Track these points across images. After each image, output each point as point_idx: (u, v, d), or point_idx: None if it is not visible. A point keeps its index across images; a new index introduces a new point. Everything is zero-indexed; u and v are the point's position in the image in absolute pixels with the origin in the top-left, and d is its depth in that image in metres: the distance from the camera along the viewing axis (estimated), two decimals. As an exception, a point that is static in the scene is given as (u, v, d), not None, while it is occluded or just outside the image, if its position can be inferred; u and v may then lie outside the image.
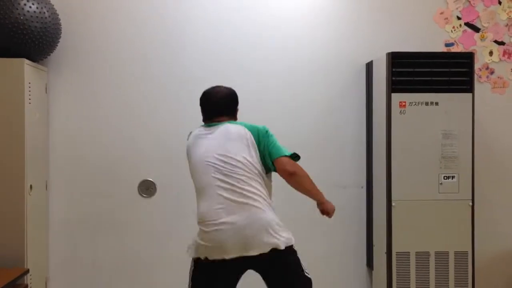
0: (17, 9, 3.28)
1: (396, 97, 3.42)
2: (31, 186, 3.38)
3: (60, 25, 3.57)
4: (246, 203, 2.54)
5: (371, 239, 3.77)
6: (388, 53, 3.43)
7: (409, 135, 3.43)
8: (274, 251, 2.55)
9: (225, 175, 2.57)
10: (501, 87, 3.90)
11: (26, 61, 3.33)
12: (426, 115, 3.43)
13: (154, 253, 3.80)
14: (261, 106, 3.79)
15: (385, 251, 3.45)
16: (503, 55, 3.89)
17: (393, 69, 3.41)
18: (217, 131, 2.69)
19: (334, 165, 3.86)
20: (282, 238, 2.57)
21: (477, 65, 3.78)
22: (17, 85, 3.28)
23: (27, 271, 3.26)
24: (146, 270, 3.80)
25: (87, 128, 3.77)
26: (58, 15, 3.54)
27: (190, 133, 2.85)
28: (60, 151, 3.76)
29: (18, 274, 3.12)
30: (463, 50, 3.85)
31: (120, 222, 3.77)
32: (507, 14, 3.89)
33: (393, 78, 3.42)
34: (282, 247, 2.56)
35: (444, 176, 3.44)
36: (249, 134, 2.66)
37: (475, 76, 3.70)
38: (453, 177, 3.44)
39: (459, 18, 3.88)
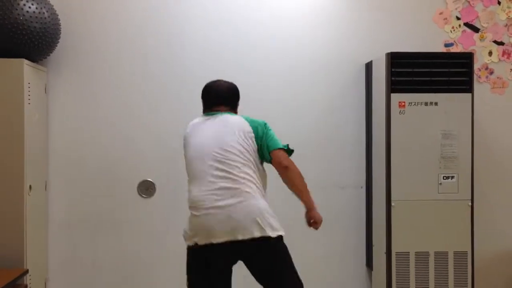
0: (17, 9, 3.28)
1: (396, 97, 3.42)
2: (30, 187, 3.38)
3: (60, 25, 3.57)
4: (238, 189, 2.56)
5: (370, 239, 3.77)
6: (388, 53, 3.43)
7: (409, 135, 3.43)
8: (263, 239, 2.54)
9: (219, 161, 2.59)
10: (500, 87, 3.91)
11: (26, 61, 3.33)
12: (425, 115, 3.43)
13: (154, 253, 3.80)
14: (261, 106, 3.79)
15: (385, 251, 3.45)
16: (503, 55, 3.90)
17: (393, 69, 3.41)
18: (216, 119, 2.73)
19: (334, 165, 3.87)
20: (271, 226, 2.57)
21: (476, 65, 3.79)
22: (16, 86, 3.28)
23: (27, 271, 3.26)
24: (146, 270, 3.80)
25: (87, 128, 3.77)
26: (57, 15, 3.54)
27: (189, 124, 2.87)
28: (60, 151, 3.76)
29: (18, 275, 3.12)
30: (463, 50, 3.86)
31: (120, 222, 3.77)
32: (507, 14, 3.89)
33: (393, 78, 3.42)
34: (271, 234, 2.55)
35: (443, 176, 3.44)
36: (247, 125, 2.69)
37: (475, 76, 3.70)
38: (452, 177, 3.44)
39: (458, 18, 3.88)
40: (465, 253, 3.44)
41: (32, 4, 3.33)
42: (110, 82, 3.78)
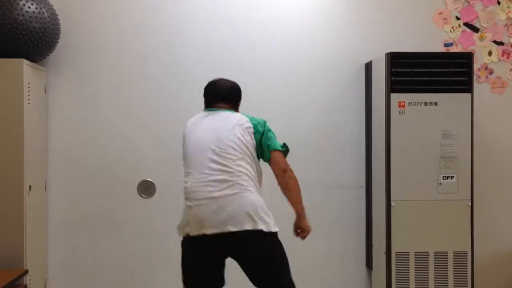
0: (16, 9, 3.27)
1: (395, 97, 3.42)
2: (30, 187, 3.38)
3: (59, 25, 3.57)
4: (233, 181, 2.56)
5: (370, 239, 3.77)
6: (387, 53, 3.43)
7: (408, 135, 3.43)
8: (254, 232, 2.53)
9: (217, 154, 2.60)
10: (500, 87, 3.91)
11: (25, 61, 3.33)
12: (425, 115, 3.43)
13: (154, 253, 3.80)
14: (261, 106, 3.78)
15: (384, 251, 3.45)
16: (502, 55, 3.90)
17: (392, 69, 3.41)
18: (217, 115, 2.75)
19: (334, 165, 3.86)
20: (263, 221, 2.56)
21: (476, 65, 3.79)
22: (16, 86, 3.28)
23: (26, 271, 3.26)
24: (146, 271, 3.80)
25: (87, 128, 3.77)
26: (57, 15, 3.54)
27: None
28: (59, 151, 3.76)
29: (17, 275, 3.12)
30: (462, 50, 3.86)
31: (120, 222, 3.77)
32: (506, 14, 3.89)
33: (392, 78, 3.42)
34: (263, 228, 2.54)
35: (443, 176, 3.44)
36: (247, 121, 2.71)
37: (474, 76, 3.70)
38: (452, 177, 3.44)
39: (458, 18, 3.88)
40: (465, 253, 3.44)
41: (32, 4, 3.33)
42: (110, 82, 3.78)
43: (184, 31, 3.80)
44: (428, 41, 3.83)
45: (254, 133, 2.70)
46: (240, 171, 2.58)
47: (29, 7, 3.31)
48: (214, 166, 2.59)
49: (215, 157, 2.60)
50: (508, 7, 3.89)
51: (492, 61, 3.90)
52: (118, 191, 3.77)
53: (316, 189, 3.85)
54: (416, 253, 3.43)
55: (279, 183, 2.72)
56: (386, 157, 3.44)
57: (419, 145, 3.43)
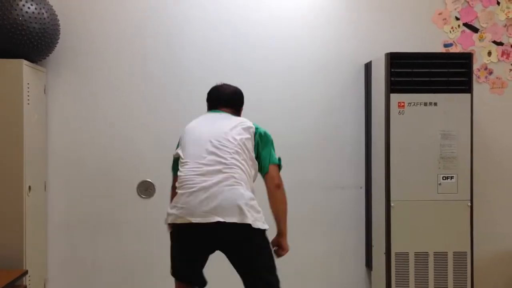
0: (16, 10, 3.28)
1: (395, 97, 3.42)
2: (29, 187, 3.38)
3: (59, 25, 3.57)
4: (226, 173, 2.57)
5: (370, 239, 3.77)
6: (387, 53, 3.44)
7: (408, 136, 3.43)
8: (242, 226, 2.52)
9: (214, 146, 2.63)
10: (499, 88, 3.91)
11: (25, 62, 3.33)
12: (424, 115, 3.43)
13: (153, 254, 3.80)
14: (261, 106, 3.79)
15: (384, 251, 3.45)
16: (502, 56, 3.90)
17: (392, 70, 3.41)
18: (220, 115, 2.80)
19: (333, 166, 3.86)
20: (252, 216, 2.55)
21: (475, 66, 3.79)
22: (15, 86, 3.28)
23: (26, 272, 3.26)
24: (145, 271, 3.80)
25: (86, 128, 3.77)
26: (57, 15, 3.54)
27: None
28: (59, 152, 3.76)
29: (17, 275, 3.12)
30: (462, 51, 3.86)
31: (119, 222, 3.77)
32: (506, 14, 3.89)
33: (392, 79, 3.42)
34: (251, 223, 2.52)
35: (443, 177, 3.44)
36: (250, 123, 2.74)
37: (474, 77, 3.70)
38: (451, 177, 3.44)
39: (457, 19, 3.88)
40: (465, 253, 3.44)
41: (32, 5, 3.33)
42: (109, 82, 3.78)
43: (183, 31, 3.80)
44: (427, 41, 3.84)
45: (255, 134, 2.72)
46: (234, 164, 2.59)
47: (28, 8, 3.31)
48: (210, 157, 2.61)
49: (211, 149, 2.62)
50: (508, 8, 3.89)
51: (491, 62, 3.90)
52: (118, 191, 3.77)
53: (316, 190, 3.85)
54: (416, 254, 3.43)
55: (270, 198, 2.71)
56: (385, 157, 3.44)
57: (419, 146, 3.43)
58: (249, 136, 2.69)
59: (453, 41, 3.88)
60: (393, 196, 3.42)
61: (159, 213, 3.76)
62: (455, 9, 3.88)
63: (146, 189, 3.78)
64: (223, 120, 2.75)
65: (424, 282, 3.42)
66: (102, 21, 3.77)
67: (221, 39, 3.81)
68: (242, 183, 2.58)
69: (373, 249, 3.69)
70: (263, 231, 2.63)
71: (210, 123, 2.75)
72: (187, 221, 2.54)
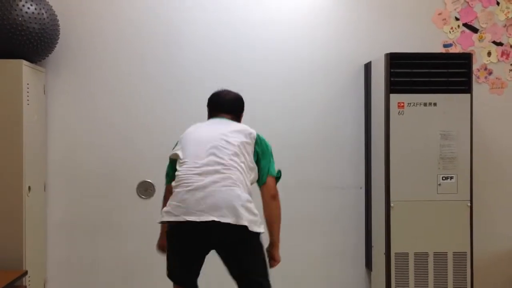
0: (16, 10, 3.27)
1: (395, 97, 3.42)
2: (29, 188, 3.38)
3: (59, 26, 3.57)
4: (223, 173, 2.56)
5: (369, 240, 3.77)
6: (387, 54, 3.44)
7: (408, 136, 3.43)
8: (236, 227, 2.49)
9: (214, 147, 2.63)
10: (499, 88, 3.91)
11: (25, 62, 3.33)
12: (424, 115, 3.43)
13: (153, 254, 3.77)
14: (260, 106, 3.79)
15: (384, 252, 3.45)
16: (501, 56, 3.90)
17: (392, 70, 3.41)
18: (221, 121, 2.80)
19: (333, 166, 3.86)
20: (247, 218, 2.52)
21: (475, 66, 3.79)
22: (15, 86, 3.28)
23: (26, 273, 3.26)
24: (145, 271, 3.79)
25: (86, 129, 3.77)
26: (56, 16, 3.54)
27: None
28: (59, 152, 3.76)
29: (17, 276, 3.12)
30: (461, 51, 3.86)
31: (119, 223, 3.77)
32: (505, 14, 3.89)
33: (392, 79, 3.42)
34: (247, 225, 2.50)
35: (442, 177, 3.44)
36: (252, 131, 2.74)
37: (473, 77, 3.70)
38: (451, 177, 3.44)
39: (457, 19, 3.88)
40: (464, 253, 3.44)
41: (31, 5, 3.32)
42: (109, 82, 3.78)
43: (182, 32, 3.80)
44: (427, 41, 3.84)
45: (256, 141, 2.72)
46: (233, 166, 2.59)
47: (28, 8, 3.31)
48: (209, 157, 2.60)
49: (211, 150, 2.62)
50: (507, 8, 3.89)
51: (491, 62, 3.90)
52: (118, 192, 3.77)
53: (315, 190, 3.85)
54: (416, 254, 3.43)
55: (265, 208, 2.70)
56: (385, 158, 3.44)
57: (419, 146, 3.43)
58: (249, 141, 2.69)
59: (453, 42, 3.88)
60: (392, 197, 3.42)
61: (159, 213, 3.77)
62: (455, 9, 3.88)
63: (145, 189, 3.78)
64: (224, 125, 2.76)
65: (424, 282, 3.42)
66: (101, 21, 3.77)
67: (220, 39, 3.80)
68: (240, 184, 2.57)
69: (373, 249, 3.69)
70: (258, 234, 2.60)
71: (210, 127, 2.77)
72: (182, 219, 2.52)
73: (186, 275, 2.67)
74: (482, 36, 3.89)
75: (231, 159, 2.60)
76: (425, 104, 3.44)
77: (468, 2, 3.88)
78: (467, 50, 3.86)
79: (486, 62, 3.89)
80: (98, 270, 3.77)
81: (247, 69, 3.80)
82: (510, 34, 3.90)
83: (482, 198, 3.79)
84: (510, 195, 3.91)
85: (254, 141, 2.71)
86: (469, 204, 3.44)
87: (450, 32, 3.88)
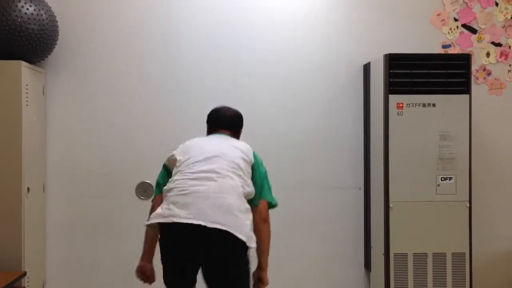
0: (15, 11, 3.27)
1: (394, 98, 3.42)
2: (28, 188, 3.37)
3: (58, 27, 3.57)
4: (217, 181, 2.55)
5: (368, 240, 3.77)
6: (385, 54, 3.44)
7: (407, 137, 3.43)
8: (222, 233, 2.44)
9: (210, 158, 2.62)
10: (498, 89, 3.91)
11: (24, 63, 3.33)
12: (423, 116, 3.43)
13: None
14: (260, 107, 3.80)
15: (383, 252, 3.45)
16: (500, 57, 3.90)
17: (390, 71, 3.41)
18: (220, 136, 2.82)
19: (332, 166, 3.87)
20: (235, 228, 2.48)
21: (474, 67, 3.79)
22: (14, 87, 3.28)
23: (24, 273, 3.25)
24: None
25: (85, 129, 3.77)
26: (55, 17, 3.54)
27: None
28: (58, 153, 3.76)
29: (16, 277, 3.11)
30: (460, 52, 3.86)
31: (118, 224, 3.77)
32: (504, 15, 3.90)
33: (391, 80, 3.42)
34: (233, 232, 2.45)
35: (441, 177, 3.44)
36: (249, 150, 2.74)
37: (472, 78, 3.71)
38: (450, 178, 3.44)
39: (456, 20, 3.88)
40: (463, 254, 3.44)
41: (30, 6, 3.32)
42: (108, 83, 3.78)
43: (181, 31, 3.80)
44: (426, 42, 3.84)
45: (253, 160, 2.72)
46: (228, 176, 2.59)
47: (27, 9, 3.31)
48: (205, 166, 2.61)
49: (208, 160, 2.63)
50: (506, 9, 3.89)
51: (490, 63, 3.90)
52: (117, 192, 3.77)
53: (315, 190, 3.85)
54: (415, 254, 3.43)
55: (255, 231, 2.66)
56: (384, 158, 3.44)
57: (417, 146, 3.43)
58: (246, 158, 2.69)
59: (452, 42, 3.89)
60: (391, 197, 3.42)
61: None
62: (454, 10, 3.88)
63: (144, 190, 3.78)
64: (223, 140, 2.78)
65: (423, 283, 3.42)
66: (100, 22, 3.77)
67: (219, 39, 3.81)
68: (233, 194, 2.56)
69: (372, 250, 3.69)
70: (245, 245, 2.53)
71: (209, 140, 2.79)
72: (169, 221, 2.50)
73: (179, 281, 2.63)
74: (481, 37, 3.90)
75: (227, 170, 2.60)
76: (424, 105, 3.44)
77: (467, 3, 3.88)
78: (466, 51, 3.86)
79: (485, 63, 3.90)
80: (97, 271, 3.77)
81: (246, 69, 3.81)
82: (509, 35, 3.90)
83: (481, 199, 3.79)
84: (509, 195, 3.92)
85: (251, 159, 2.71)
86: (468, 204, 3.45)
87: (449, 33, 3.88)
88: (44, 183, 3.70)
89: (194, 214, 2.47)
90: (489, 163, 3.88)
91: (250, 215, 2.61)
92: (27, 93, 3.36)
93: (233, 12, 3.81)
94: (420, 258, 3.43)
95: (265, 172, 2.77)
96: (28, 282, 3.36)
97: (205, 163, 2.62)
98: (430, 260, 3.43)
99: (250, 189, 2.65)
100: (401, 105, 3.43)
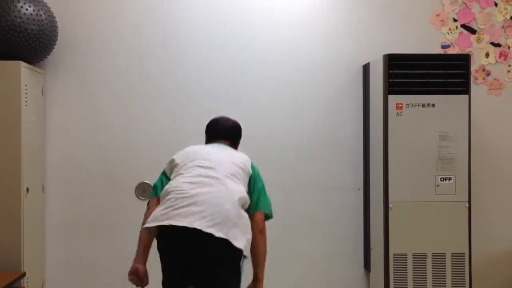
0: (14, 11, 3.27)
1: (393, 99, 3.43)
2: (27, 189, 3.37)
3: (57, 27, 3.57)
4: (214, 185, 2.55)
5: (368, 241, 3.77)
6: (385, 55, 3.44)
7: (406, 137, 3.43)
8: (217, 240, 2.43)
9: (209, 166, 2.63)
10: (497, 89, 3.92)
11: (23, 63, 3.33)
12: (422, 116, 3.43)
13: (151, 256, 3.78)
14: (259, 107, 3.80)
15: (383, 253, 3.45)
16: (499, 57, 3.91)
17: (390, 71, 3.42)
18: (220, 145, 2.82)
19: (332, 167, 3.87)
20: (231, 233, 2.46)
21: (473, 67, 3.79)
22: (13, 88, 3.28)
23: (24, 274, 3.25)
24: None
25: (84, 130, 3.77)
26: (54, 17, 3.54)
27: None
28: (57, 153, 3.75)
29: (15, 278, 3.11)
30: (460, 52, 3.86)
31: (117, 224, 3.76)
32: (503, 16, 3.90)
33: (390, 80, 3.42)
34: (228, 239, 2.44)
35: (440, 178, 3.44)
36: (248, 161, 2.74)
37: (472, 78, 3.71)
38: (449, 178, 3.45)
39: (455, 20, 3.89)
40: (463, 254, 3.44)
41: (29, 6, 3.32)
42: (107, 83, 3.78)
43: (180, 31, 3.80)
44: (425, 43, 3.84)
45: (251, 171, 2.72)
46: (226, 181, 2.59)
47: (26, 9, 3.30)
48: (204, 171, 2.61)
49: (207, 165, 2.63)
50: (505, 9, 3.90)
51: (489, 63, 3.90)
52: (116, 193, 3.77)
53: (315, 190, 3.85)
54: (414, 255, 3.43)
55: (252, 242, 2.65)
56: (383, 159, 3.44)
57: (417, 147, 3.44)
58: (244, 168, 2.69)
59: (451, 43, 3.89)
60: (391, 198, 3.42)
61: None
62: (453, 10, 3.88)
63: (144, 190, 3.77)
64: (222, 149, 2.79)
65: (422, 283, 3.42)
66: (99, 22, 3.77)
67: (219, 39, 3.81)
68: (229, 199, 2.55)
69: (372, 250, 3.69)
70: (241, 252, 2.51)
71: (211, 150, 2.78)
72: (166, 223, 2.49)
73: (180, 282, 2.61)
74: (480, 37, 3.90)
75: (226, 176, 2.60)
76: (423, 105, 3.44)
77: (466, 3, 3.88)
78: (465, 51, 3.86)
79: (484, 63, 3.90)
80: (97, 271, 3.77)
81: (246, 69, 3.81)
82: (508, 35, 3.91)
83: (480, 199, 3.79)
84: (508, 196, 3.92)
85: (249, 170, 2.71)
86: (467, 205, 3.45)
87: (448, 33, 3.88)
88: (43, 184, 3.70)
89: (190, 218, 2.46)
90: (488, 163, 3.88)
91: (248, 222, 2.60)
92: (26, 93, 3.36)
93: (233, 12, 3.81)
94: (420, 258, 3.43)
95: (263, 184, 2.76)
96: (27, 282, 3.35)
97: (204, 168, 2.63)
98: (429, 260, 3.43)
99: (247, 196, 2.65)
100: (400, 105, 3.43)
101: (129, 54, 3.78)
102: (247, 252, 2.55)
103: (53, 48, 3.60)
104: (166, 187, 2.64)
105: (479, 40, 3.90)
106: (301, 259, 3.84)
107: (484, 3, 3.88)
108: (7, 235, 3.25)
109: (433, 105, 3.44)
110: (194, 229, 2.44)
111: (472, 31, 3.90)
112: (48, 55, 3.62)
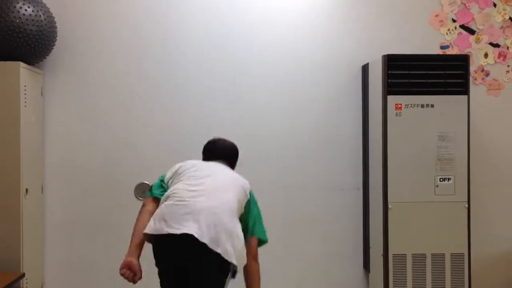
0: (13, 12, 3.27)
1: (392, 99, 3.43)
2: (26, 190, 3.37)
3: (56, 28, 3.57)
4: (211, 195, 2.56)
5: (367, 241, 3.77)
6: (384, 55, 3.44)
7: (405, 137, 3.43)
8: (210, 252, 2.44)
9: (209, 176, 2.65)
10: (496, 89, 3.92)
11: (22, 64, 3.33)
12: (422, 117, 3.44)
13: (150, 256, 3.78)
14: (258, 107, 3.80)
15: (382, 253, 3.45)
16: (498, 57, 3.91)
17: (389, 72, 3.42)
18: (218, 163, 2.83)
19: (331, 167, 3.87)
20: (226, 247, 2.47)
21: (472, 67, 3.80)
22: (12, 88, 3.28)
23: (23, 275, 3.25)
24: (143, 273, 3.78)
25: (83, 130, 3.76)
26: (53, 18, 3.54)
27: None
28: (56, 154, 3.75)
29: (14, 278, 3.11)
30: (458, 53, 3.87)
31: (117, 225, 3.76)
32: (502, 16, 3.91)
33: (389, 81, 3.42)
34: (219, 252, 2.45)
35: (440, 178, 3.45)
36: (246, 183, 2.74)
37: (471, 78, 3.71)
38: (449, 179, 3.45)
39: (454, 21, 3.89)
40: (462, 254, 3.44)
41: (29, 7, 3.32)
42: (106, 84, 3.78)
43: (179, 31, 3.80)
44: (424, 43, 3.85)
45: (248, 196, 2.72)
46: (226, 196, 2.60)
47: (25, 10, 3.30)
48: (205, 181, 2.63)
49: (207, 177, 2.66)
50: (504, 9, 3.90)
51: (488, 63, 3.91)
52: (116, 193, 3.77)
53: (315, 190, 3.85)
54: (413, 255, 3.43)
55: (245, 269, 2.68)
56: (383, 159, 3.44)
57: (416, 147, 3.44)
58: (242, 190, 2.68)
59: (450, 43, 3.89)
60: (390, 198, 3.42)
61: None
62: (452, 11, 3.89)
63: (143, 191, 3.77)
64: (222, 165, 2.81)
65: (421, 283, 3.42)
66: (98, 22, 3.77)
67: (218, 39, 3.81)
68: (228, 213, 2.55)
69: (371, 250, 3.70)
70: (230, 265, 2.52)
71: (212, 165, 2.80)
72: (164, 232, 2.49)
73: (175, 280, 2.61)
74: (479, 38, 3.90)
75: (224, 190, 2.62)
76: (422, 106, 3.45)
77: (464, 4, 3.89)
78: (464, 52, 3.87)
79: (483, 64, 3.90)
80: (96, 272, 3.76)
81: (245, 69, 3.81)
82: (507, 36, 3.91)
83: (480, 200, 3.80)
84: (507, 196, 3.92)
85: (247, 193, 2.71)
86: (466, 205, 3.45)
87: (447, 33, 3.89)
88: (42, 184, 3.69)
89: (184, 226, 2.47)
90: (487, 163, 3.89)
91: (242, 236, 2.59)
92: (25, 94, 3.36)
93: (232, 12, 3.81)
94: (419, 258, 3.43)
95: (259, 211, 2.77)
96: (26, 283, 3.35)
97: (204, 178, 2.64)
98: (429, 261, 3.43)
99: (242, 205, 2.66)
100: (399, 105, 3.44)
101: (128, 54, 3.78)
102: (239, 265, 2.55)
103: (52, 48, 3.60)
104: (167, 193, 2.64)
105: (478, 41, 3.90)
106: (301, 259, 3.84)
107: (483, 3, 3.89)
108: (6, 236, 3.25)
109: (432, 106, 3.44)
110: (191, 235, 2.45)
111: (471, 31, 3.90)
112: (47, 55, 3.61)
